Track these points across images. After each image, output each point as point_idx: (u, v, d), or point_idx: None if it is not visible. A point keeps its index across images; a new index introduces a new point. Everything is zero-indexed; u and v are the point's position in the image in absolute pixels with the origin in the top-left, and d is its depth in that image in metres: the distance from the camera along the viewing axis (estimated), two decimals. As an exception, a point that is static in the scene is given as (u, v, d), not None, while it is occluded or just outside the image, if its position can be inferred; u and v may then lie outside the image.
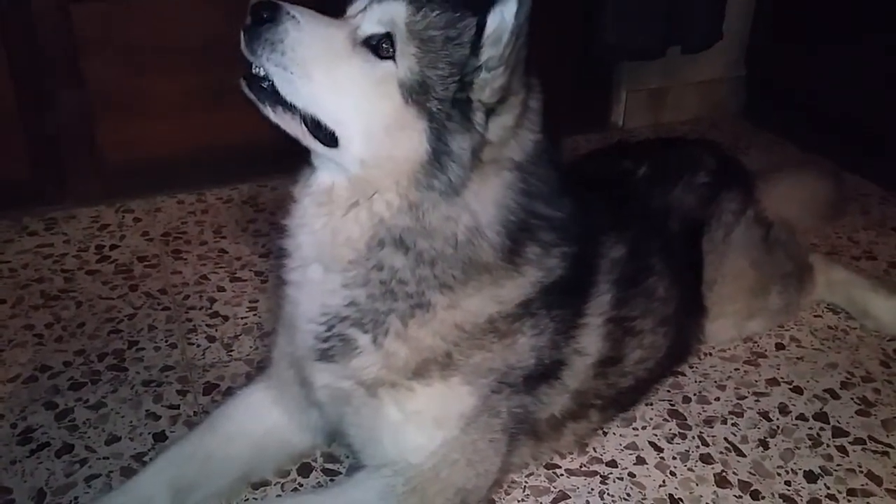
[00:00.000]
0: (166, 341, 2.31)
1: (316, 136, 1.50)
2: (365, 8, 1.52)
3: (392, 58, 1.46)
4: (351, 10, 1.56)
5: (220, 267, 2.68)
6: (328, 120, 1.48)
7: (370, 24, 1.49)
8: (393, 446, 1.64)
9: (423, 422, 1.62)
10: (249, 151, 3.03)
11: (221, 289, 2.57)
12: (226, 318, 2.42)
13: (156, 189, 3.09)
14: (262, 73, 1.47)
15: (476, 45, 1.45)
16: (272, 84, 1.47)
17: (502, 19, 1.42)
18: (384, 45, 1.46)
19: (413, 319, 1.57)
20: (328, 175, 1.57)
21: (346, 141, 1.49)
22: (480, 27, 1.45)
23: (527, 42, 1.45)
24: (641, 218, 2.00)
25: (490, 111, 1.48)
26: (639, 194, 2.09)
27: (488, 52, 1.45)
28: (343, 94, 1.47)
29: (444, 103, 1.46)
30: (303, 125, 1.50)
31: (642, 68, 3.71)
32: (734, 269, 2.21)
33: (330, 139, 1.50)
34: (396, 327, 1.57)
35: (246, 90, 1.50)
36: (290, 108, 1.49)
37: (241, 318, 2.42)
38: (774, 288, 2.33)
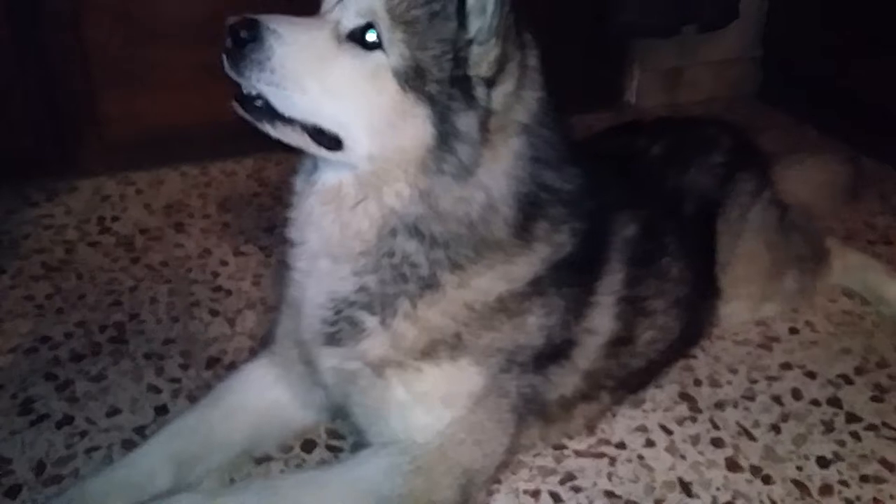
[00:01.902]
0: (168, 314, 2.28)
1: (320, 143, 1.47)
2: (340, 0, 1.46)
3: (380, 47, 1.41)
4: (325, 6, 1.50)
5: (224, 240, 2.65)
6: (330, 125, 1.45)
7: (350, 18, 1.43)
8: (399, 425, 1.61)
9: (430, 402, 1.59)
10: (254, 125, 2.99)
11: (225, 262, 2.53)
12: (229, 293, 2.39)
13: (159, 161, 3.06)
14: (253, 93, 1.43)
15: (461, 14, 1.40)
16: (266, 102, 1.43)
17: None
18: (369, 36, 1.41)
19: (422, 300, 1.53)
20: (334, 174, 1.53)
21: (351, 142, 1.45)
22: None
23: (513, 6, 1.40)
24: (655, 197, 1.96)
25: (490, 82, 1.44)
26: (653, 173, 2.05)
27: (476, 24, 1.40)
28: (339, 96, 1.43)
29: (442, 84, 1.41)
30: (305, 134, 1.47)
31: (656, 47, 3.65)
32: (749, 251, 2.17)
33: (335, 143, 1.46)
34: (405, 308, 1.54)
35: (241, 112, 1.47)
36: (289, 120, 1.45)
37: (245, 292, 2.39)
38: (790, 271, 2.30)
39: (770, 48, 3.87)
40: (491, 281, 1.55)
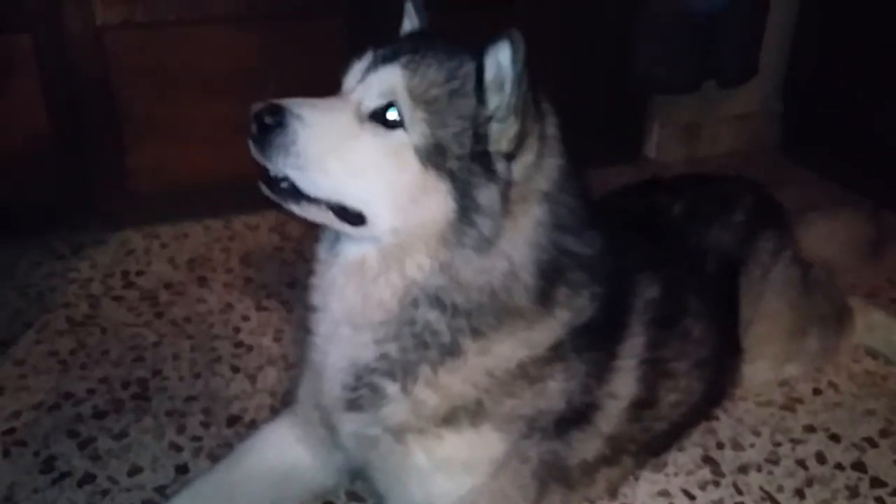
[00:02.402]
0: (190, 371, 2.29)
1: (344, 219, 1.48)
2: (362, 79, 1.49)
3: (402, 126, 1.42)
4: (347, 84, 1.52)
5: (246, 295, 2.66)
6: (353, 203, 1.46)
7: (372, 98, 1.45)
8: (419, 492, 1.61)
9: (451, 469, 1.59)
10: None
11: (247, 318, 2.54)
12: (250, 349, 2.40)
13: (183, 215, 3.09)
14: (279, 176, 1.46)
15: (480, 92, 1.42)
16: (291, 183, 1.46)
17: (499, 65, 1.39)
18: (390, 115, 1.43)
19: (443, 366, 1.53)
20: (357, 248, 1.53)
21: (374, 217, 1.46)
22: (480, 71, 1.41)
23: (531, 85, 1.42)
24: (676, 257, 1.96)
25: (510, 156, 1.45)
26: (674, 232, 2.05)
27: (494, 101, 1.42)
28: (362, 175, 1.44)
29: (462, 160, 1.42)
30: (329, 212, 1.48)
31: (676, 101, 3.68)
32: (771, 310, 2.16)
33: (358, 219, 1.47)
34: (426, 375, 1.54)
35: (267, 193, 1.50)
36: (314, 200, 1.47)
37: (266, 348, 2.40)
38: (812, 330, 2.28)
39: (790, 102, 3.88)
40: (512, 347, 1.54)
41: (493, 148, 1.44)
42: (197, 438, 2.04)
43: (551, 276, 1.54)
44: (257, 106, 1.43)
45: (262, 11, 2.93)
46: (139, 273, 2.78)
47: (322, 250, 1.66)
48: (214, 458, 1.94)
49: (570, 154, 1.56)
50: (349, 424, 1.64)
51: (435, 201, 1.43)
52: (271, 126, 1.41)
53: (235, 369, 2.30)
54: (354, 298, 1.54)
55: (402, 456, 1.59)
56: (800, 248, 2.29)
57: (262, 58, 2.93)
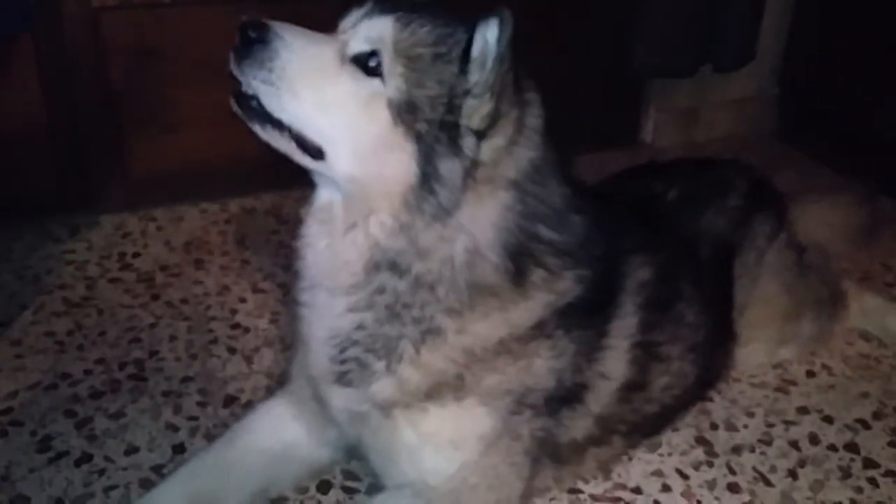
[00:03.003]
0: (187, 352, 2.30)
1: (304, 150, 1.49)
2: (355, 25, 1.50)
3: (380, 76, 1.43)
4: (342, 26, 1.54)
5: (243, 277, 2.67)
6: (314, 136, 1.47)
7: (358, 42, 1.46)
8: (411, 468, 1.62)
9: (439, 443, 1.60)
10: (274, 162, 3.02)
11: (243, 300, 2.55)
12: (247, 330, 2.40)
13: (179, 198, 3.09)
14: (250, 92, 1.46)
15: (464, 63, 1.42)
16: (261, 102, 1.46)
17: (486, 41, 1.39)
18: (372, 62, 1.44)
19: (425, 345, 1.54)
20: (327, 193, 1.56)
21: (333, 157, 1.47)
22: (468, 44, 1.41)
23: (513, 66, 1.42)
24: (671, 242, 1.96)
25: (480, 135, 1.45)
26: (669, 217, 2.05)
27: (475, 76, 1.42)
28: (330, 112, 1.45)
29: (432, 125, 1.43)
30: (292, 142, 1.49)
31: (673, 86, 3.67)
32: (766, 294, 2.17)
33: (317, 153, 1.48)
34: (410, 354, 1.55)
35: (235, 108, 1.50)
36: (278, 125, 1.48)
37: (263, 329, 2.41)
38: (807, 314, 2.29)
39: (787, 87, 3.88)
40: (489, 327, 1.55)
41: (463, 122, 1.43)
42: (193, 418, 2.05)
43: (522, 260, 1.54)
44: (245, 18, 1.44)
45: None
46: (136, 255, 2.78)
47: (305, 208, 1.66)
48: (211, 438, 1.95)
49: (552, 145, 1.56)
50: (339, 399, 1.65)
51: (398, 160, 1.43)
52: (254, 40, 1.43)
53: (232, 350, 2.31)
54: (325, 255, 1.56)
55: (390, 431, 1.61)
56: (794, 232, 2.31)
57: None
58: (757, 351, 2.24)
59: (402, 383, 1.57)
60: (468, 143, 1.44)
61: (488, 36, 1.38)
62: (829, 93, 3.57)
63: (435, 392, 1.57)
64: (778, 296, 2.20)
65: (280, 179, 3.06)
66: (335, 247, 1.54)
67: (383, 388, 1.58)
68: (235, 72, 1.46)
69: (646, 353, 1.82)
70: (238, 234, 2.93)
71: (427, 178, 1.43)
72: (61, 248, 2.80)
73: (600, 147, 3.41)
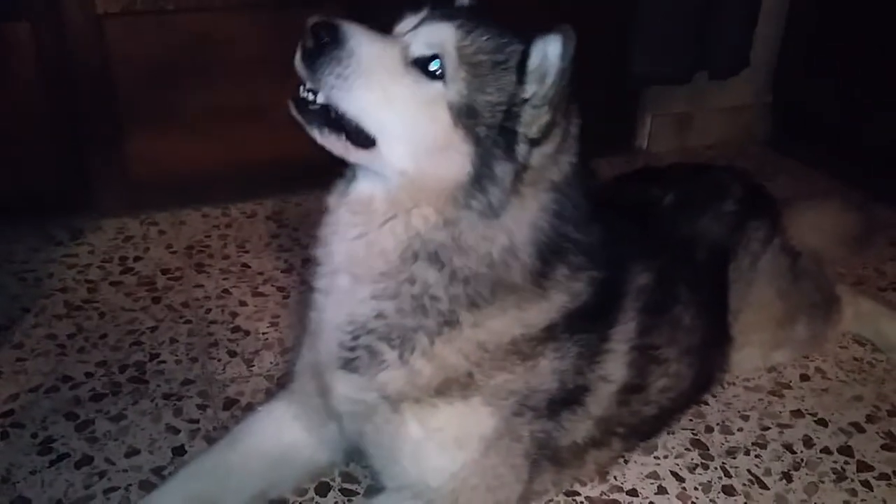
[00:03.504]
0: (187, 355, 2.31)
1: (357, 143, 1.50)
2: (415, 28, 1.53)
3: (442, 79, 1.46)
4: (399, 28, 1.57)
5: (243, 281, 2.69)
6: (374, 129, 1.48)
7: (420, 46, 1.49)
8: (413, 466, 1.63)
9: (443, 441, 1.61)
10: (275, 167, 3.05)
11: (243, 303, 2.57)
12: (247, 333, 2.42)
13: (181, 202, 3.11)
14: (310, 97, 1.48)
15: (521, 72, 1.46)
16: (320, 106, 1.48)
17: (545, 56, 1.43)
18: (433, 66, 1.47)
19: (440, 337, 1.56)
20: (368, 186, 1.56)
21: (387, 149, 1.48)
22: (525, 55, 1.45)
23: (571, 80, 1.46)
24: (668, 247, 1.98)
25: (534, 142, 1.49)
26: (665, 223, 2.07)
27: (532, 88, 1.46)
28: (394, 108, 1.47)
29: (491, 130, 1.46)
30: (347, 142, 1.50)
31: (668, 92, 3.70)
32: (760, 298, 2.19)
33: (369, 142, 1.50)
34: (423, 345, 1.57)
35: (294, 112, 1.51)
36: (336, 128, 1.49)
37: (263, 333, 2.42)
38: (801, 318, 2.31)
39: (781, 94, 3.91)
40: (506, 323, 1.57)
41: (522, 130, 1.47)
42: (194, 421, 2.07)
43: (549, 258, 1.57)
44: (315, 19, 1.45)
45: (261, 0, 2.95)
46: (137, 259, 2.80)
47: (332, 199, 1.66)
48: (211, 441, 1.96)
49: (583, 154, 1.60)
50: (344, 387, 1.66)
51: (453, 159, 1.46)
52: (327, 43, 1.44)
53: (232, 353, 2.33)
54: (357, 245, 1.56)
55: (397, 426, 1.62)
56: (788, 238, 2.33)
57: (261, 45, 2.95)
58: (752, 355, 2.26)
59: (414, 375, 1.58)
60: (522, 149, 1.48)
61: (549, 51, 1.43)
62: (823, 100, 3.59)
63: (445, 388, 1.58)
64: (772, 300, 2.22)
65: (281, 184, 3.12)
66: (370, 236, 1.54)
67: (394, 379, 1.59)
68: (304, 73, 1.47)
69: (644, 355, 1.84)
70: (239, 239, 2.95)
71: (480, 179, 1.47)
72: (63, 251, 2.82)
73: (597, 153, 3.42)
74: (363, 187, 1.58)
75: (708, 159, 3.36)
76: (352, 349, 1.62)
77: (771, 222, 2.28)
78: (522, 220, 1.52)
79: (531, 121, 1.47)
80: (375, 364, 1.60)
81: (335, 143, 1.51)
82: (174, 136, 3.02)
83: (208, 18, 2.91)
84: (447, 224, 1.49)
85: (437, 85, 1.46)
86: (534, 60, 1.45)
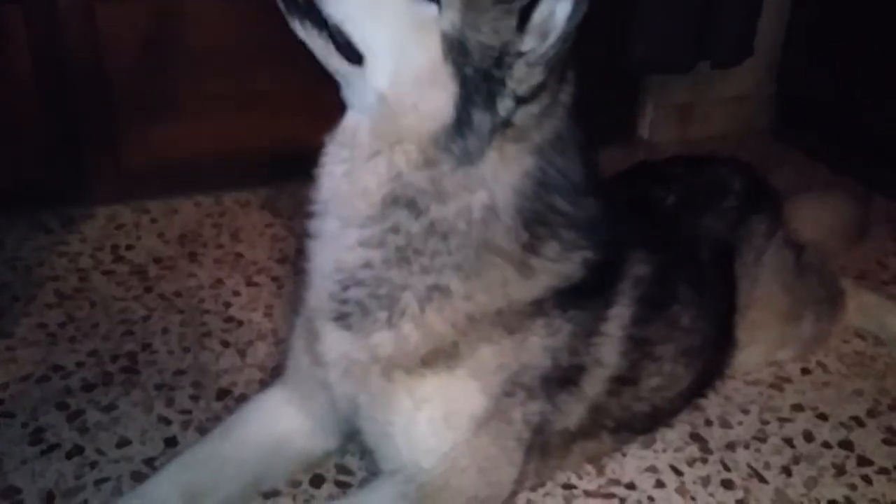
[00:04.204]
0: (180, 345, 2.28)
1: (343, 54, 1.45)
2: None
3: (437, 2, 1.39)
4: None
5: (236, 271, 2.66)
6: (359, 42, 1.43)
7: None
8: (405, 444, 1.61)
9: (433, 418, 1.58)
10: (269, 155, 3.02)
11: (237, 293, 2.54)
12: (240, 323, 2.39)
13: (174, 190, 3.07)
14: None
15: (523, 20, 1.39)
16: (308, 3, 1.43)
17: (552, 14, 1.38)
18: None
19: (430, 304, 1.53)
20: (355, 115, 1.53)
21: (371, 67, 1.43)
22: (532, 4, 1.39)
23: (572, 46, 1.42)
24: (670, 245, 1.94)
25: (521, 100, 1.44)
26: (668, 222, 2.03)
27: (531, 42, 1.40)
28: (383, 21, 1.41)
29: (477, 73, 1.41)
30: (329, 43, 1.45)
31: (670, 82, 3.67)
32: (766, 295, 2.16)
33: (356, 58, 1.45)
34: (413, 310, 1.54)
35: (280, 4, 1.47)
36: (318, 24, 1.44)
37: (256, 323, 2.40)
38: (807, 314, 2.28)
39: (783, 85, 3.88)
40: (494, 292, 1.54)
41: (510, 84, 1.42)
42: (186, 412, 2.04)
43: (537, 231, 1.53)
44: None
45: (255, -15, 2.92)
46: (129, 247, 2.76)
47: (329, 136, 1.62)
48: (203, 432, 1.94)
49: (577, 125, 1.55)
50: (337, 342, 1.62)
51: (437, 97, 1.41)
52: None
53: (225, 344, 2.30)
54: (343, 181, 1.53)
55: (389, 396, 1.59)
56: (791, 230, 2.30)
57: (254, 32, 2.91)
58: (756, 353, 2.23)
59: (402, 341, 1.55)
60: (506, 103, 1.43)
61: (558, 9, 1.37)
62: (826, 91, 3.56)
63: (432, 359, 1.56)
64: (778, 295, 2.19)
65: (275, 173, 3.09)
66: (355, 173, 1.51)
67: (384, 341, 1.56)
68: None
69: (638, 348, 1.80)
70: (232, 228, 2.92)
71: (459, 123, 1.42)
72: (54, 240, 2.78)
73: (597, 143, 3.41)
74: (350, 116, 1.55)
75: (710, 150, 3.32)
76: (343, 301, 1.58)
77: (773, 216, 2.25)
78: (503, 179, 1.48)
79: (522, 77, 1.42)
80: (368, 322, 1.57)
81: (316, 41, 1.46)
82: (167, 123, 2.97)
83: (202, 4, 2.87)
84: (427, 164, 1.45)
85: (432, 7, 1.40)
86: (539, 14, 1.38)
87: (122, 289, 2.53)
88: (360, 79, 1.46)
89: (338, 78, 1.53)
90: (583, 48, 1.47)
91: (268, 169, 3.10)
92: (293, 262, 2.67)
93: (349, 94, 1.54)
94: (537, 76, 1.43)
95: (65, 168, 2.93)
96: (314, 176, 1.62)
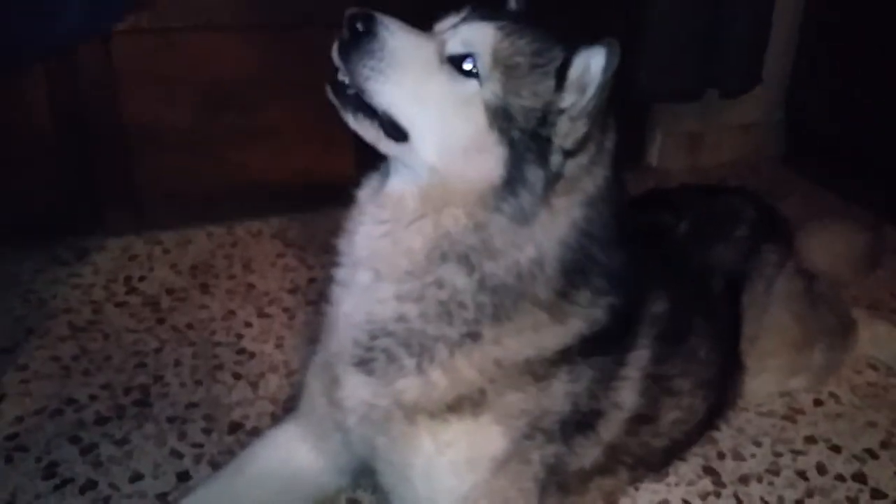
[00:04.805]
0: (192, 377, 2.29)
1: (390, 135, 1.50)
2: (453, 28, 1.52)
3: (477, 77, 1.46)
4: (439, 27, 1.56)
5: (248, 302, 2.67)
6: (406, 123, 1.48)
7: (456, 44, 1.48)
8: (424, 485, 1.60)
9: (455, 460, 1.58)
10: (281, 186, 3.04)
11: (249, 324, 2.55)
12: (252, 355, 2.40)
13: (186, 221, 3.09)
14: (346, 81, 1.49)
15: (560, 79, 1.45)
16: (356, 93, 1.49)
17: (587, 67, 1.42)
18: (467, 65, 1.46)
19: (460, 350, 1.53)
20: (400, 183, 1.55)
21: (419, 144, 1.48)
22: (566, 64, 1.45)
23: (611, 95, 1.45)
24: (683, 277, 1.94)
25: (568, 153, 1.47)
26: (680, 252, 2.04)
27: (570, 98, 1.45)
28: (427, 103, 1.47)
29: (524, 134, 1.45)
30: (379, 130, 1.50)
31: (679, 110, 3.68)
32: (777, 323, 2.15)
33: (402, 135, 1.50)
34: (442, 356, 1.54)
35: (331, 95, 1.52)
36: (369, 114, 1.50)
37: (268, 355, 2.40)
38: (818, 343, 2.27)
39: (792, 112, 3.89)
40: (523, 342, 1.55)
41: (556, 140, 1.46)
42: (198, 445, 2.04)
43: (573, 278, 1.54)
44: (352, 10, 1.46)
45: (267, 20, 2.94)
46: (142, 279, 2.78)
47: (362, 193, 1.65)
48: (216, 466, 1.95)
49: (617, 170, 1.59)
50: (358, 389, 1.62)
51: (486, 161, 1.45)
52: (362, 33, 1.45)
53: (237, 376, 2.31)
54: (383, 241, 1.55)
55: (410, 439, 1.59)
56: (802, 259, 2.29)
57: (267, 66, 2.94)
58: (767, 382, 2.22)
59: (429, 387, 1.55)
60: (556, 158, 1.46)
61: (592, 63, 1.41)
62: (835, 118, 3.56)
63: (457, 405, 1.56)
64: (789, 324, 2.18)
65: (287, 203, 3.11)
66: (398, 234, 1.53)
67: (410, 387, 1.56)
68: (338, 61, 1.48)
69: (657, 385, 1.81)
70: (244, 258, 2.93)
71: (512, 182, 1.45)
72: (67, 272, 2.80)
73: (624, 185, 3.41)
74: (395, 183, 1.57)
75: (719, 178, 3.33)
76: (368, 349, 1.58)
77: (784, 245, 2.24)
78: (552, 233, 1.49)
79: (567, 132, 1.46)
80: (394, 369, 1.57)
81: (368, 130, 1.52)
82: (180, 154, 2.99)
83: (215, 38, 2.90)
84: (477, 227, 1.47)
85: (472, 83, 1.46)
86: (575, 70, 1.44)
87: (134, 321, 2.55)
88: (408, 154, 1.51)
89: (388, 156, 1.58)
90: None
91: (280, 199, 3.12)
92: (304, 292, 2.69)
93: (396, 167, 1.57)
94: (581, 128, 1.46)
95: (80, 199, 2.95)
96: (335, 217, 1.64)
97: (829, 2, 3.63)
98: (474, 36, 1.48)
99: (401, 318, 1.54)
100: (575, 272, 1.54)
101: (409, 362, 1.55)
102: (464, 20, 1.54)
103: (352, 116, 1.52)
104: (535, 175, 1.46)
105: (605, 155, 1.54)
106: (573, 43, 1.46)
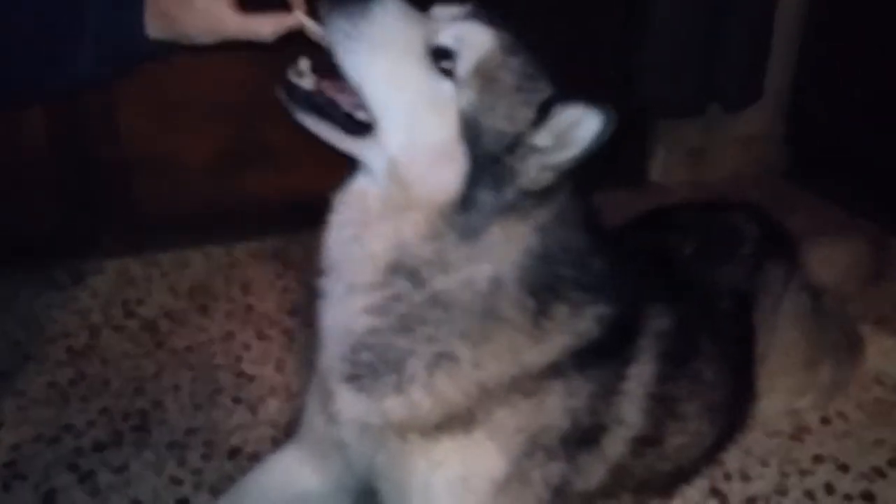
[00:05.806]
0: (191, 402, 2.27)
1: (349, 130, 1.48)
2: (451, 19, 1.48)
3: (452, 78, 1.41)
4: (435, 13, 1.52)
5: (247, 324, 2.64)
6: (375, 107, 1.44)
7: (447, 35, 1.44)
8: None
9: (450, 479, 1.55)
10: (279, 207, 3.03)
11: (248, 347, 2.52)
12: (252, 379, 2.37)
13: (184, 242, 3.08)
14: (300, 84, 1.49)
15: (542, 115, 1.40)
16: (308, 92, 1.48)
17: (578, 124, 1.37)
18: (447, 63, 1.42)
19: (439, 371, 1.50)
20: (365, 180, 1.53)
21: (385, 134, 1.44)
22: (552, 101, 1.40)
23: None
24: (689, 296, 1.90)
25: (528, 192, 1.44)
26: (686, 272, 2.00)
27: (545, 140, 1.41)
28: (400, 91, 1.43)
29: (487, 155, 1.41)
30: (335, 128, 1.48)
31: (680, 124, 3.66)
32: (785, 341, 2.12)
33: (363, 128, 1.47)
34: (421, 377, 1.50)
35: (281, 96, 1.51)
36: (325, 115, 1.48)
37: (268, 378, 2.38)
38: (826, 361, 2.24)
39: (795, 126, 3.87)
40: (506, 362, 1.51)
41: (519, 178, 1.42)
42: (197, 471, 2.02)
43: (544, 297, 1.51)
44: None
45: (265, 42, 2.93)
46: (139, 302, 2.76)
47: (338, 195, 1.61)
48: (215, 492, 1.92)
49: (575, 186, 1.53)
50: (350, 405, 1.59)
51: (448, 171, 1.41)
52: None
53: (237, 400, 2.28)
54: (352, 246, 1.52)
55: (406, 457, 1.56)
56: (807, 275, 2.27)
57: (266, 88, 2.92)
58: (776, 401, 2.18)
59: (413, 407, 1.52)
60: (511, 191, 1.43)
61: (585, 124, 1.37)
62: (838, 132, 3.55)
63: (445, 424, 1.53)
64: (796, 342, 2.15)
65: (285, 223, 3.09)
66: (363, 236, 1.50)
67: (395, 407, 1.53)
68: (322, 26, 1.47)
69: (662, 406, 1.76)
70: (243, 280, 2.91)
71: (465, 200, 1.42)
72: (65, 296, 2.77)
73: (608, 186, 3.38)
74: (361, 180, 1.54)
75: (721, 192, 3.30)
76: (354, 364, 1.55)
77: (789, 261, 2.21)
78: (507, 256, 1.46)
79: (534, 178, 1.42)
80: (380, 387, 1.54)
81: (322, 129, 1.50)
82: (177, 175, 2.99)
83: (212, 58, 2.88)
84: (435, 236, 1.44)
85: (447, 85, 1.42)
86: (563, 119, 1.39)
87: (132, 345, 2.52)
88: (370, 148, 1.47)
89: (351, 154, 1.54)
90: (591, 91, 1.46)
91: (278, 219, 3.10)
92: (304, 314, 2.66)
93: (362, 166, 1.54)
94: (549, 179, 1.43)
95: (76, 221, 2.94)
96: (322, 231, 1.62)
97: (832, 12, 3.62)
98: (470, 35, 1.44)
99: (372, 331, 1.52)
100: (544, 291, 1.50)
101: (389, 379, 1.52)
102: (465, 17, 1.48)
103: (307, 117, 1.50)
104: (486, 198, 1.42)
105: (562, 188, 1.49)
106: (566, 88, 1.42)
